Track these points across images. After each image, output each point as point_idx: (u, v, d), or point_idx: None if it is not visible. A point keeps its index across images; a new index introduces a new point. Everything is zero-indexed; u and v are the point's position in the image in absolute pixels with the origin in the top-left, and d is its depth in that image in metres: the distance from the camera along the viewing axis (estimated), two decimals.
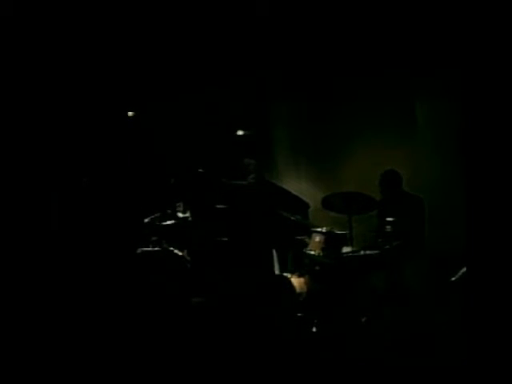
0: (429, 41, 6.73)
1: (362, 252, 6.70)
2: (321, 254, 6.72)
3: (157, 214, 7.36)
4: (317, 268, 6.77)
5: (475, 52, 4.30)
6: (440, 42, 6.45)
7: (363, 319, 6.29)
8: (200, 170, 7.47)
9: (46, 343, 5.72)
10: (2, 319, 5.96)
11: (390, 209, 6.75)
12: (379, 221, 6.89)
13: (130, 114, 8.12)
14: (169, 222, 7.30)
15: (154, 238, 7.17)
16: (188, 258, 7.12)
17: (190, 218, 7.36)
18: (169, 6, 7.01)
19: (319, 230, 6.88)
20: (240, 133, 7.62)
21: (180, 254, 7.09)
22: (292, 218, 7.20)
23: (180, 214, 7.38)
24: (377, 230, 6.87)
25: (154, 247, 7.13)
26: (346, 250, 6.79)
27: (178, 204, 7.43)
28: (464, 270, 5.59)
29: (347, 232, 6.82)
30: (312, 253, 6.80)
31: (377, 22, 6.87)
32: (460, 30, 4.50)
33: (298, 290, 6.72)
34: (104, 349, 5.63)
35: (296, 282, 6.78)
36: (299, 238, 7.19)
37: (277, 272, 7.38)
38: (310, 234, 6.98)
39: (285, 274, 7.02)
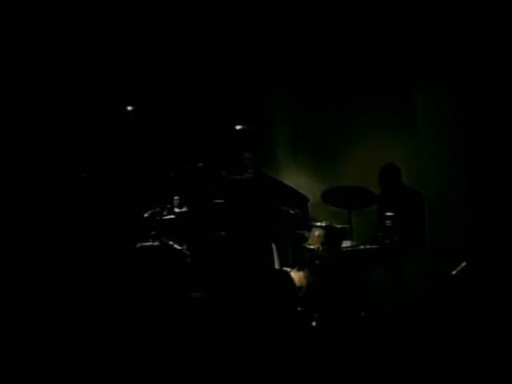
0: (430, 37, 6.73)
1: (361, 246, 6.70)
2: (320, 248, 6.71)
3: (156, 209, 7.35)
4: (316, 262, 6.76)
5: (476, 49, 4.31)
6: (441, 38, 6.45)
7: (363, 314, 6.30)
8: (199, 164, 7.46)
9: (44, 337, 5.73)
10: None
11: (390, 203, 6.75)
12: (379, 215, 6.89)
13: (129, 108, 8.11)
14: (168, 217, 7.30)
15: (153, 233, 7.16)
16: (187, 253, 7.12)
17: (186, 213, 7.35)
18: (169, 3, 7.01)
19: (319, 224, 6.86)
20: (239, 127, 7.60)
21: (179, 248, 7.09)
22: (291, 212, 7.18)
23: (176, 209, 7.37)
24: (376, 225, 6.87)
25: (153, 242, 7.12)
26: (345, 244, 6.78)
27: (175, 198, 7.42)
28: (464, 264, 5.60)
29: (347, 226, 6.81)
30: (312, 247, 6.78)
31: (377, 19, 6.87)
32: (461, 28, 4.51)
33: (297, 284, 6.71)
34: (103, 343, 5.64)
35: (295, 276, 6.77)
36: (299, 232, 7.17)
37: (276, 266, 7.37)
38: (309, 228, 6.95)
39: (284, 269, 7.02)
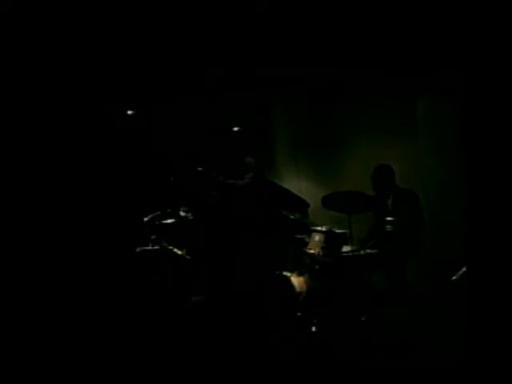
0: (429, 39, 6.74)
1: (361, 251, 6.68)
2: (320, 253, 6.70)
3: (157, 213, 7.35)
4: (316, 267, 6.75)
5: (476, 51, 4.30)
6: (441, 40, 6.46)
7: (363, 318, 6.28)
8: (199, 169, 7.45)
9: (44, 341, 5.72)
10: (2, 318, 5.96)
11: (386, 205, 6.75)
12: (375, 218, 6.89)
13: (130, 112, 8.12)
14: (168, 221, 7.29)
15: (153, 237, 7.15)
16: (187, 257, 7.11)
17: (190, 217, 7.35)
18: (169, 3, 7.01)
19: (319, 229, 6.85)
20: (236, 129, 7.59)
21: (179, 252, 7.08)
22: (291, 216, 7.17)
23: (182, 213, 7.37)
24: (374, 228, 6.87)
25: (153, 246, 7.12)
26: (345, 249, 6.77)
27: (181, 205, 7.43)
28: (464, 269, 5.57)
29: (347, 231, 6.79)
30: (312, 252, 6.77)
31: (377, 21, 6.88)
32: (461, 29, 4.50)
33: (297, 289, 6.71)
34: (103, 347, 5.63)
35: (296, 281, 6.76)
36: (299, 237, 7.16)
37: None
38: (309, 233, 6.95)
39: (284, 273, 7.01)
